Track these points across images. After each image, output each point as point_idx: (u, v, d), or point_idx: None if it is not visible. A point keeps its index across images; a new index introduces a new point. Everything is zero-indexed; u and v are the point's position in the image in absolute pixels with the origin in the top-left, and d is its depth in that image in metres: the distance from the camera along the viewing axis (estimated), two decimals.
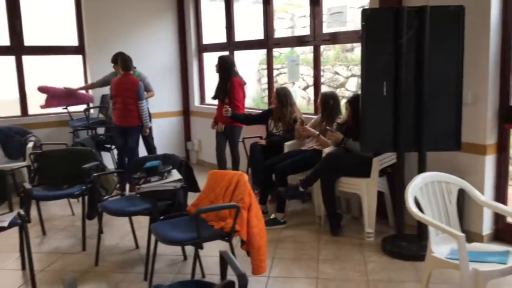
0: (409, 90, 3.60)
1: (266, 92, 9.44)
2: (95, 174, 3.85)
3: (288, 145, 4.82)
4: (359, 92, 3.78)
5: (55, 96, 6.00)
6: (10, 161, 5.55)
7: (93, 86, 6.18)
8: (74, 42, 6.39)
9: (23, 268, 3.66)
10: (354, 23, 5.81)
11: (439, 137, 3.65)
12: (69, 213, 5.00)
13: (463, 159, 3.85)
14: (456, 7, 3.49)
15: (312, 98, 8.49)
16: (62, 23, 6.49)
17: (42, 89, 6.01)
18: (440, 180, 3.00)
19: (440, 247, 2.82)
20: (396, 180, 3.84)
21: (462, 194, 3.21)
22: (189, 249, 3.79)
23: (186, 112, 7.21)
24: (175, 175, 3.37)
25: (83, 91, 6.24)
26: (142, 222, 4.20)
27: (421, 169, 3.66)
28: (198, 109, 7.05)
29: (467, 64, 3.58)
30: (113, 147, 6.06)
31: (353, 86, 8.05)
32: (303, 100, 8.66)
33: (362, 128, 3.72)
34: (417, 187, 2.87)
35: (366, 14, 3.56)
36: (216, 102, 5.64)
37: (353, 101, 4.25)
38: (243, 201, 3.03)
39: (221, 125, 5.41)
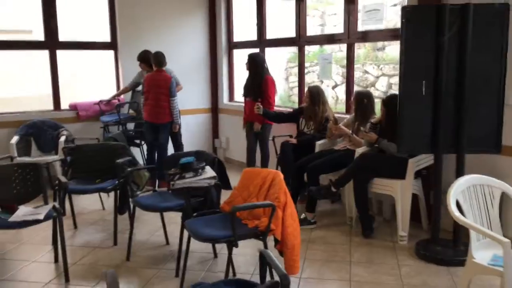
0: (449, 89, 3.50)
1: (294, 90, 9.42)
2: (129, 169, 3.86)
3: (319, 144, 4.76)
4: (390, 92, 3.70)
5: (84, 110, 6.12)
6: (43, 154, 5.64)
7: (126, 90, 6.25)
8: (107, 38, 6.44)
9: (56, 260, 3.70)
10: (386, 21, 5.70)
11: (479, 139, 3.54)
12: (99, 207, 5.04)
13: (502, 162, 3.73)
14: (501, 5, 3.37)
15: (341, 97, 8.45)
16: (95, 19, 6.56)
17: (72, 106, 6.19)
18: (483, 184, 2.90)
19: (481, 253, 2.72)
20: (433, 183, 3.74)
21: (502, 199, 3.09)
22: (219, 247, 3.79)
23: (214, 109, 7.20)
24: (209, 172, 3.35)
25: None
26: (172, 218, 4.21)
27: (459, 171, 3.56)
28: (226, 106, 7.04)
29: (510, 64, 3.46)
30: (142, 142, 6.09)
31: (383, 85, 7.92)
32: (331, 99, 8.57)
33: (399, 128, 3.63)
34: (459, 190, 2.78)
35: (407, 12, 3.48)
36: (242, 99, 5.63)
37: (388, 101, 4.17)
38: (279, 200, 2.99)
39: (258, 125, 5.35)
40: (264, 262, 2.11)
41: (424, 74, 3.53)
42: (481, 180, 2.91)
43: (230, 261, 2.95)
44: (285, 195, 3.03)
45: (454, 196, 2.72)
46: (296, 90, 9.17)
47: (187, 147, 5.93)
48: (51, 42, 6.02)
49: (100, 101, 6.13)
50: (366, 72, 8.18)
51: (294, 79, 9.51)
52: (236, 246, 2.85)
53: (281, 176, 3.12)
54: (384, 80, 7.96)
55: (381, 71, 8.02)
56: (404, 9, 3.49)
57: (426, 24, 3.48)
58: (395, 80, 7.82)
